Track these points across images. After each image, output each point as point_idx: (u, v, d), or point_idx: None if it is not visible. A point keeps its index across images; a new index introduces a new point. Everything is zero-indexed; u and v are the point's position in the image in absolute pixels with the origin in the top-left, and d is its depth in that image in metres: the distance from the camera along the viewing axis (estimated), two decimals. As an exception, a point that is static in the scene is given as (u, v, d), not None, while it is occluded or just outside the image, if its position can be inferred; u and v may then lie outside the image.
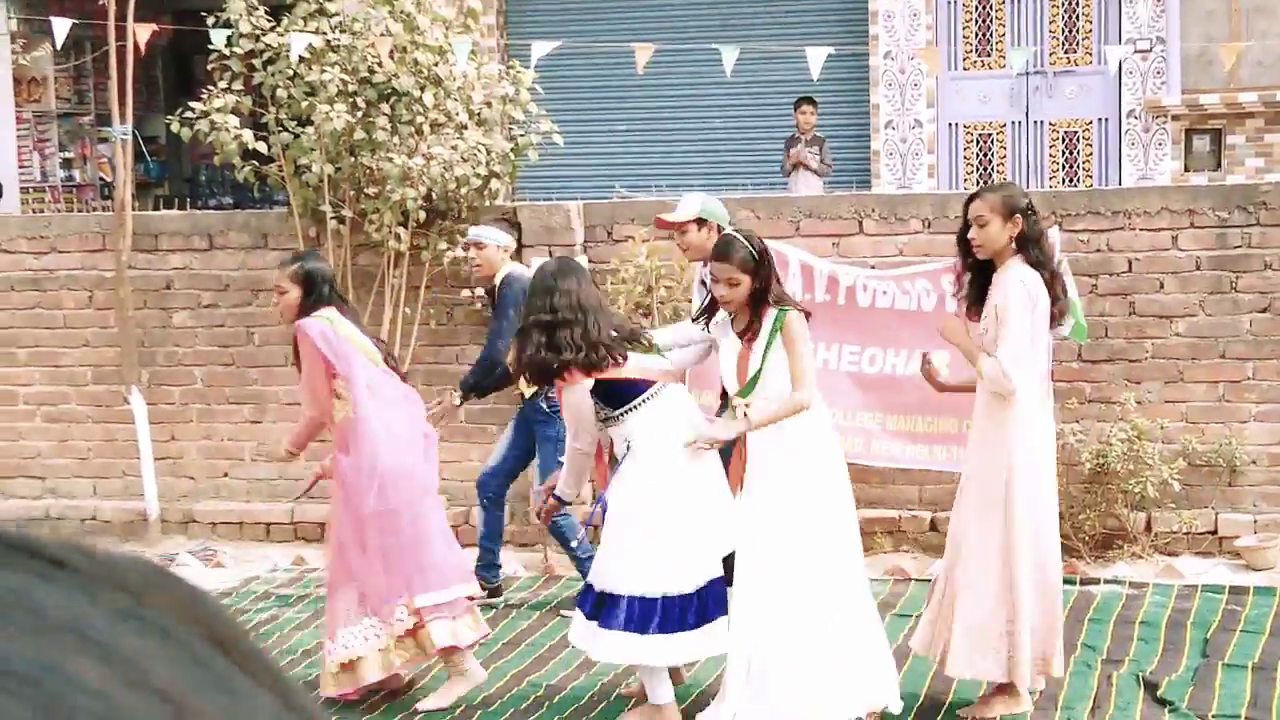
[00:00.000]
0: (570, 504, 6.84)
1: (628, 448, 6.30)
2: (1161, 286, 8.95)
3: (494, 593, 8.38)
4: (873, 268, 9.04)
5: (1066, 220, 8.93)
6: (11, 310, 10.47)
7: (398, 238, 9.48)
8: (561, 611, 8.04)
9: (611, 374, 6.23)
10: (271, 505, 10.20)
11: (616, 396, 6.26)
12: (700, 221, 7.41)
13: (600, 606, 6.23)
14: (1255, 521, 8.84)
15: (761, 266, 6.14)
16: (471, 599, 6.92)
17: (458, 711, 6.70)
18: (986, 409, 6.28)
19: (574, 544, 8.09)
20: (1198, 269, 8.91)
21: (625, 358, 6.25)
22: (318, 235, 9.80)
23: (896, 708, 6.18)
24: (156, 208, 12.87)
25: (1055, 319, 6.33)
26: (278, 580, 9.09)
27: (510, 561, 9.03)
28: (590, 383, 6.24)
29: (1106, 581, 8.26)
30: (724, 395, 6.61)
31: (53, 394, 10.50)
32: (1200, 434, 8.84)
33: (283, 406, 10.20)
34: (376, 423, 6.68)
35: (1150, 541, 8.85)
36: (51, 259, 10.46)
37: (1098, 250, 8.97)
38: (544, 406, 7.98)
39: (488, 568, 8.37)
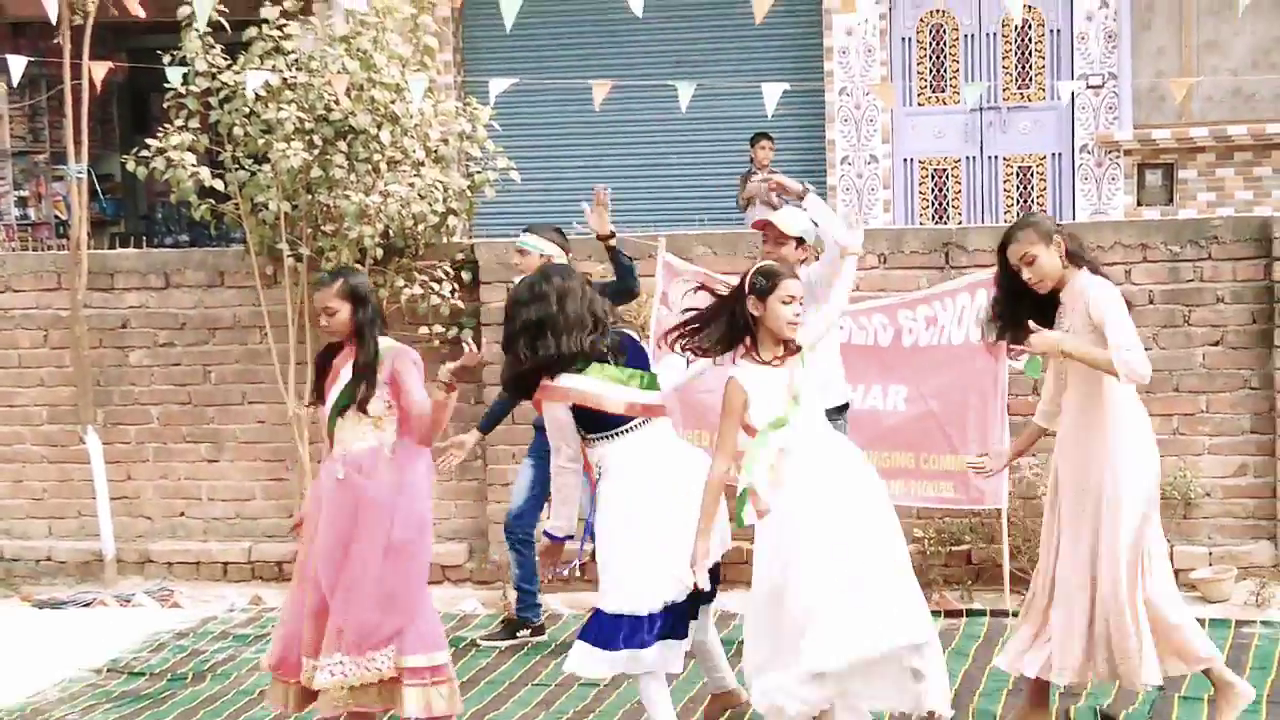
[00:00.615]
0: (564, 541, 6.63)
1: (599, 473, 6.27)
2: (1115, 320, 8.99)
3: (537, 631, 8.31)
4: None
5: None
6: (-35, 350, 10.41)
7: (317, 286, 9.44)
8: (520, 647, 8.03)
9: (590, 405, 6.20)
10: (228, 545, 10.15)
11: (592, 422, 6.23)
12: (800, 241, 7.42)
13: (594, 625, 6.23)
14: (1210, 554, 8.87)
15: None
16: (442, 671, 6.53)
17: None
18: (1082, 416, 6.23)
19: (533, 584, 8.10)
20: (1151, 303, 8.97)
21: (577, 369, 6.17)
22: (275, 273, 9.77)
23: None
24: (112, 246, 12.84)
25: None
26: (235, 620, 9.03)
27: (469, 599, 9.00)
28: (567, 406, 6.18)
29: (1064, 614, 8.26)
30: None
31: (7, 434, 10.43)
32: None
33: (240, 445, 10.16)
34: (419, 457, 6.54)
35: (1107, 574, 8.88)
36: (6, 298, 10.41)
37: (1052, 285, 9.02)
38: None
39: (529, 608, 8.29)
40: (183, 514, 10.29)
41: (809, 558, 5.90)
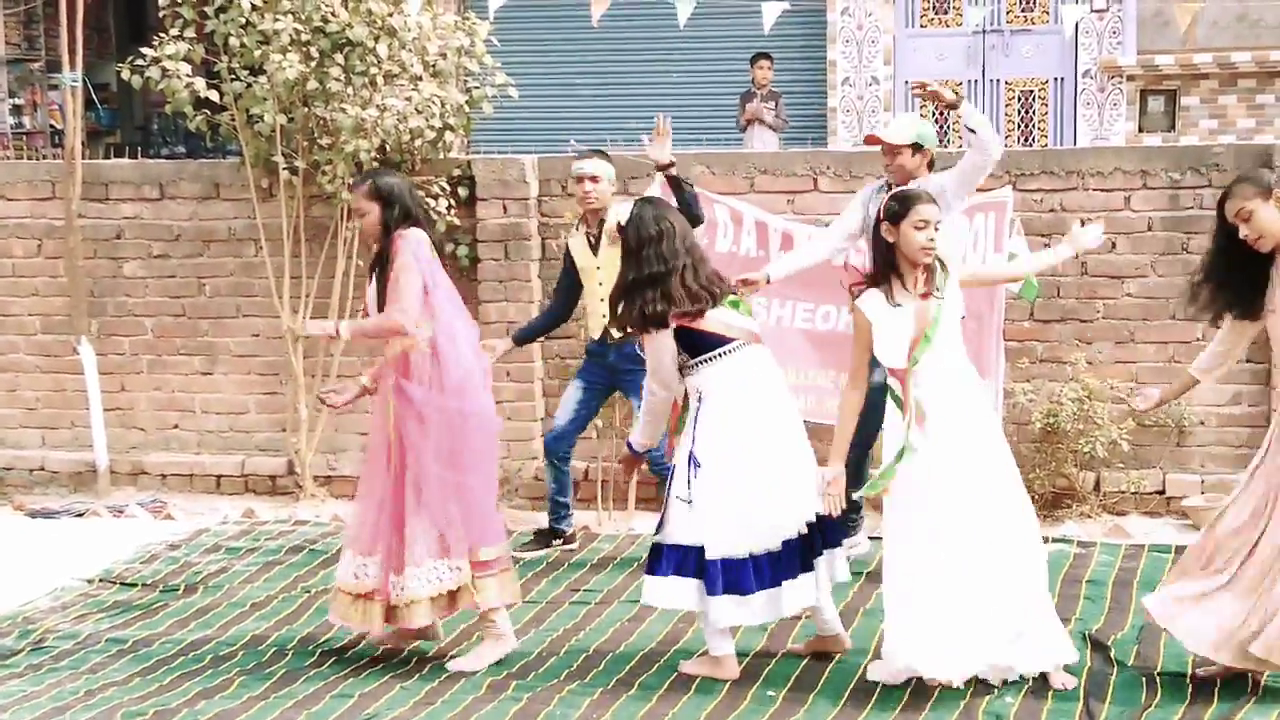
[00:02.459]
0: (643, 456, 6.73)
1: (699, 399, 6.27)
2: (1114, 247, 8.97)
3: (568, 540, 8.49)
4: (828, 225, 9.02)
5: (1021, 180, 8.94)
6: (-41, 258, 10.38)
7: (350, 189, 9.42)
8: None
9: (696, 325, 6.21)
10: (222, 458, 10.16)
11: (696, 346, 6.24)
12: (916, 147, 7.46)
13: (693, 563, 6.26)
14: (1203, 482, 8.90)
15: None
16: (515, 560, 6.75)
17: (501, 676, 6.52)
18: None
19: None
20: (1150, 230, 8.95)
21: (712, 306, 6.23)
22: (270, 186, 9.73)
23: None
24: (108, 156, 12.75)
25: None
26: (227, 533, 9.05)
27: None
28: (672, 329, 6.21)
29: (1055, 540, 8.29)
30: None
31: (1, 344, 10.41)
32: (1149, 394, 8.88)
33: (234, 358, 10.15)
34: (469, 357, 6.55)
35: (1099, 501, 8.90)
36: (0, 206, 10.36)
37: (1051, 210, 8.99)
38: (637, 351, 7.82)
39: (561, 519, 8.46)
40: (176, 426, 10.30)
41: (917, 537, 6.02)
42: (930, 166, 7.57)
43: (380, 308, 6.45)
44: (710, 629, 6.39)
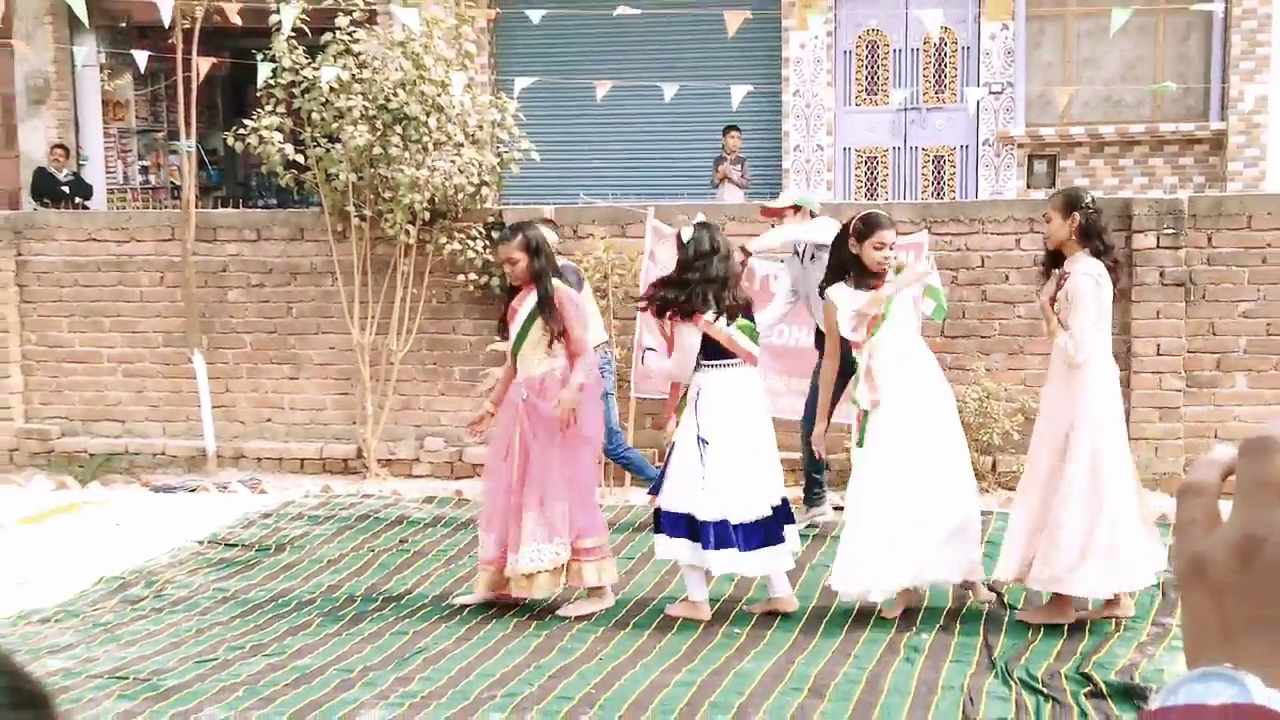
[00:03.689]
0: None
1: (699, 392, 6.28)
2: (1007, 278, 8.97)
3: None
4: (782, 262, 9.02)
5: (935, 225, 8.95)
6: (99, 287, 10.37)
7: (407, 233, 9.43)
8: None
9: (711, 333, 6.20)
10: (305, 444, 10.15)
11: (706, 351, 6.26)
12: (796, 208, 7.70)
13: (699, 530, 6.25)
14: (1077, 463, 8.91)
15: None
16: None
17: (524, 618, 6.50)
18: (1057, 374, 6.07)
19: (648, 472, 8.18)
20: (1035, 265, 8.92)
21: (721, 317, 6.23)
22: (344, 230, 9.72)
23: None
24: (215, 206, 12.73)
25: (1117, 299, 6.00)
26: (309, 504, 9.04)
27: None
28: (699, 331, 6.21)
29: (961, 509, 8.28)
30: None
31: (131, 354, 10.41)
32: (1035, 395, 8.85)
33: (315, 366, 10.14)
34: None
35: (995, 479, 8.90)
36: (131, 246, 10.36)
37: (958, 250, 8.99)
38: (604, 359, 7.82)
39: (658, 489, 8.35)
40: (269, 420, 10.28)
41: (877, 481, 6.09)
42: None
43: (552, 335, 6.33)
44: (692, 580, 6.39)
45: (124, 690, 5.62)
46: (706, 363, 6.27)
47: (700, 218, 7.78)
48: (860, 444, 6.23)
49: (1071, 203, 5.91)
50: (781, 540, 6.33)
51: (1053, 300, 6.01)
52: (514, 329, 6.45)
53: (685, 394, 6.39)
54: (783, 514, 6.37)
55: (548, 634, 6.23)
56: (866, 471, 6.18)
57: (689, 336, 6.23)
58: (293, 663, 5.94)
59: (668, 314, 6.25)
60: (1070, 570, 5.96)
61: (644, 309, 6.49)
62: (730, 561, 6.23)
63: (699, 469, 6.21)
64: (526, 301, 6.40)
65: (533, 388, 6.40)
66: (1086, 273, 5.85)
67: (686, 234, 6.39)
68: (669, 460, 6.39)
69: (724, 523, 6.19)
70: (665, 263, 8.94)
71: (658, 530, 6.39)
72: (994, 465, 8.90)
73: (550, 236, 7.85)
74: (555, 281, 6.40)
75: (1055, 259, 6.07)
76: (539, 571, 6.34)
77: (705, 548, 6.23)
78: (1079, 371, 5.92)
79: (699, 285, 6.21)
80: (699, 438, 6.22)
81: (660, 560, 6.63)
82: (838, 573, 6.26)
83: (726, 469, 6.21)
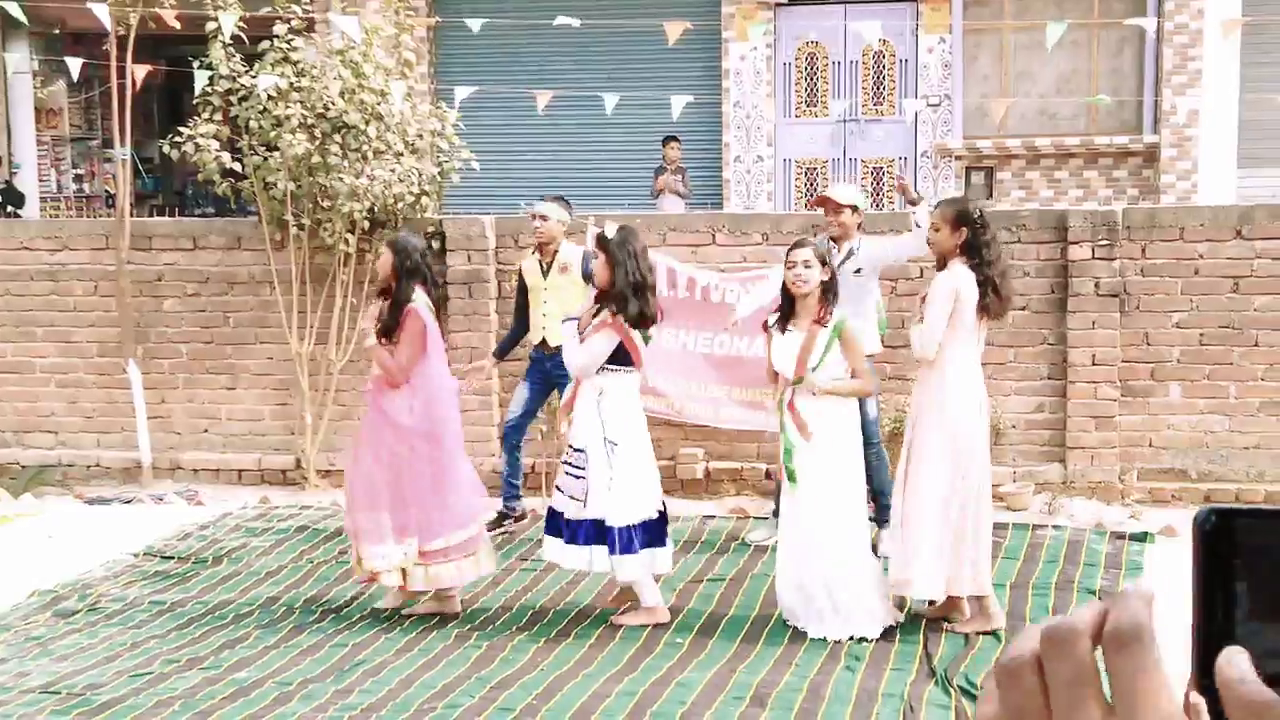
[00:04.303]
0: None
1: (600, 394, 6.26)
2: (945, 289, 9.04)
3: (519, 519, 8.34)
4: (722, 271, 9.06)
5: (873, 236, 8.99)
6: (31, 296, 10.21)
7: (347, 242, 9.36)
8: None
9: (629, 339, 6.22)
10: (242, 455, 10.04)
11: (619, 356, 6.25)
12: (855, 209, 7.34)
13: (598, 534, 6.27)
14: (1014, 473, 8.98)
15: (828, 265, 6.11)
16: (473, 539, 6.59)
17: (466, 629, 6.51)
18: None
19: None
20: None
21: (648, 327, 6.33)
22: (282, 239, 9.64)
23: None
24: (151, 215, 12.60)
25: (988, 311, 6.10)
26: (247, 515, 8.94)
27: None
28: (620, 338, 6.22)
29: (900, 518, 8.34)
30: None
31: (64, 365, 10.26)
32: (974, 404, 8.96)
33: (252, 376, 10.04)
34: (443, 379, 6.54)
35: (934, 487, 8.97)
36: (64, 255, 10.21)
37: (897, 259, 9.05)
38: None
39: (512, 499, 8.30)
40: (206, 430, 10.17)
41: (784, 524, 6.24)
42: (860, 228, 7.45)
43: (388, 334, 6.37)
44: (643, 585, 6.39)
45: (57, 705, 5.53)
46: (611, 366, 6.28)
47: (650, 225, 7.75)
48: (791, 480, 6.24)
49: (961, 218, 6.03)
50: (664, 544, 6.41)
51: (924, 299, 6.19)
52: (371, 313, 6.59)
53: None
54: (665, 518, 6.45)
55: (489, 644, 6.20)
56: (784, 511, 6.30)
57: (612, 342, 6.24)
58: (230, 676, 5.87)
59: (618, 317, 6.22)
60: (914, 571, 6.15)
61: (609, 320, 6.29)
62: (632, 567, 6.30)
63: (606, 472, 6.22)
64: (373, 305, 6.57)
65: (374, 384, 6.48)
66: (952, 277, 6.01)
67: (612, 231, 6.36)
68: (581, 468, 6.32)
69: (629, 527, 6.23)
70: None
71: (567, 540, 6.36)
72: (933, 474, 8.97)
73: (563, 215, 7.85)
74: (419, 294, 6.41)
75: (939, 263, 6.20)
76: (386, 570, 6.36)
77: (612, 553, 6.24)
78: (933, 379, 6.10)
79: (648, 294, 6.22)
80: (606, 440, 6.23)
81: (601, 571, 6.61)
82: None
83: (630, 471, 6.26)
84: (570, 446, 6.39)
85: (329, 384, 9.66)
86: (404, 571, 6.40)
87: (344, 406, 9.84)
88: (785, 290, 6.14)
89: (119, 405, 10.17)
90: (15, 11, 9.34)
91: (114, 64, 9.83)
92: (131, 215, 10.19)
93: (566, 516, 6.35)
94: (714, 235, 9.33)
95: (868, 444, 7.18)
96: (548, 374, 8.04)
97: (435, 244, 9.54)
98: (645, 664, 5.92)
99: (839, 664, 5.89)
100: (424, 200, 9.69)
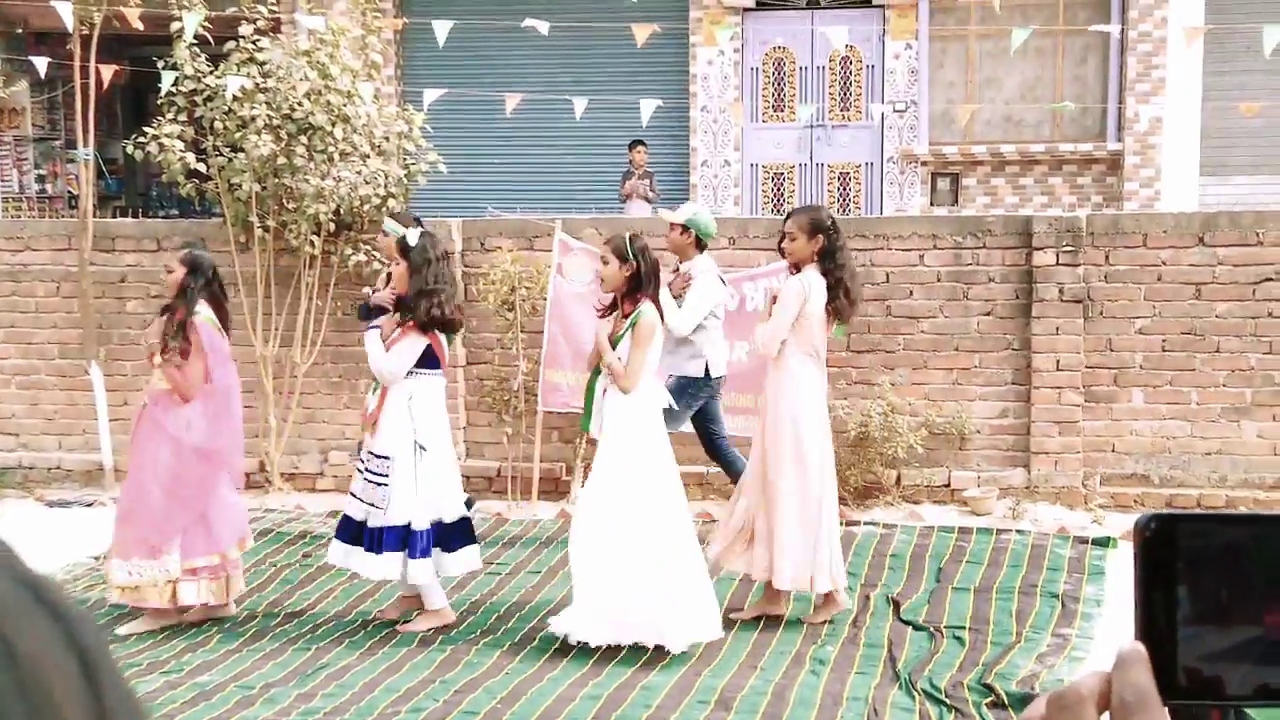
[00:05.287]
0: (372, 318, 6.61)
1: (410, 398, 6.27)
2: (911, 294, 9.08)
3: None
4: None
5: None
6: (-9, 297, 10.11)
7: (312, 244, 9.31)
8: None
9: (437, 342, 6.29)
10: (206, 457, 9.96)
11: (424, 358, 6.28)
12: (685, 229, 7.49)
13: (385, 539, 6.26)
14: (979, 477, 9.03)
15: (640, 261, 6.08)
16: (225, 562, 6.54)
17: (431, 633, 6.53)
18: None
19: None
20: (938, 281, 9.07)
21: (452, 330, 6.42)
22: (247, 241, 9.58)
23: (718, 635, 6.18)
24: (114, 216, 12.50)
25: (839, 314, 6.37)
26: (210, 518, 8.87)
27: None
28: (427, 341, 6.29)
29: (866, 523, 8.37)
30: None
31: (25, 366, 10.16)
32: (939, 409, 9.00)
33: (216, 378, 9.96)
34: (229, 396, 6.53)
35: (899, 492, 9.00)
36: (26, 256, 10.12)
37: (863, 265, 9.07)
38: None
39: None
40: (169, 433, 10.08)
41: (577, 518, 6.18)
42: (699, 248, 7.58)
43: (164, 348, 6.34)
44: (430, 589, 6.42)
45: (15, 710, 5.46)
46: (420, 370, 6.31)
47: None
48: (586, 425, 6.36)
49: (815, 226, 6.27)
50: (474, 541, 6.52)
51: (775, 300, 6.38)
52: (155, 329, 6.51)
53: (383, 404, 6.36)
54: (469, 517, 6.55)
55: (453, 648, 6.17)
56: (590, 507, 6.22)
57: (419, 345, 6.25)
58: (191, 680, 5.82)
59: (413, 323, 6.23)
60: (773, 563, 6.32)
61: (410, 324, 6.29)
62: (427, 570, 6.34)
63: (413, 476, 6.23)
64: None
65: (154, 398, 6.40)
66: (802, 279, 6.25)
67: (415, 238, 6.36)
68: (386, 475, 6.27)
69: (432, 528, 6.30)
70: (573, 275, 8.93)
71: (368, 547, 6.31)
72: (898, 479, 9.00)
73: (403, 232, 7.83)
74: (205, 310, 6.40)
75: (793, 269, 6.41)
76: (139, 586, 6.33)
77: (412, 556, 6.24)
78: (778, 376, 6.31)
79: (449, 296, 6.28)
80: (417, 444, 6.25)
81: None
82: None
83: (437, 473, 6.33)
84: (371, 453, 6.32)
85: (293, 386, 9.61)
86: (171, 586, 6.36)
87: (308, 409, 9.79)
88: None
89: (80, 407, 10.08)
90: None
91: (77, 64, 9.75)
92: (94, 216, 10.10)
93: (369, 525, 6.28)
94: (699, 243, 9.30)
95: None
96: None
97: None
98: (609, 668, 5.91)
99: (804, 668, 5.90)
100: (390, 203, 9.65)
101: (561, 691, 5.61)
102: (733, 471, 7.58)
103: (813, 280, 6.22)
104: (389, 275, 6.95)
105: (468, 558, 6.49)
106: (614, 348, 6.03)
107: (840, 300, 6.31)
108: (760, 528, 6.39)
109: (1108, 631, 6.29)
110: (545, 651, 6.13)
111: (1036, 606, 6.69)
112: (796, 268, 6.34)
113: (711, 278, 7.53)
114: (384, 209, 9.56)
